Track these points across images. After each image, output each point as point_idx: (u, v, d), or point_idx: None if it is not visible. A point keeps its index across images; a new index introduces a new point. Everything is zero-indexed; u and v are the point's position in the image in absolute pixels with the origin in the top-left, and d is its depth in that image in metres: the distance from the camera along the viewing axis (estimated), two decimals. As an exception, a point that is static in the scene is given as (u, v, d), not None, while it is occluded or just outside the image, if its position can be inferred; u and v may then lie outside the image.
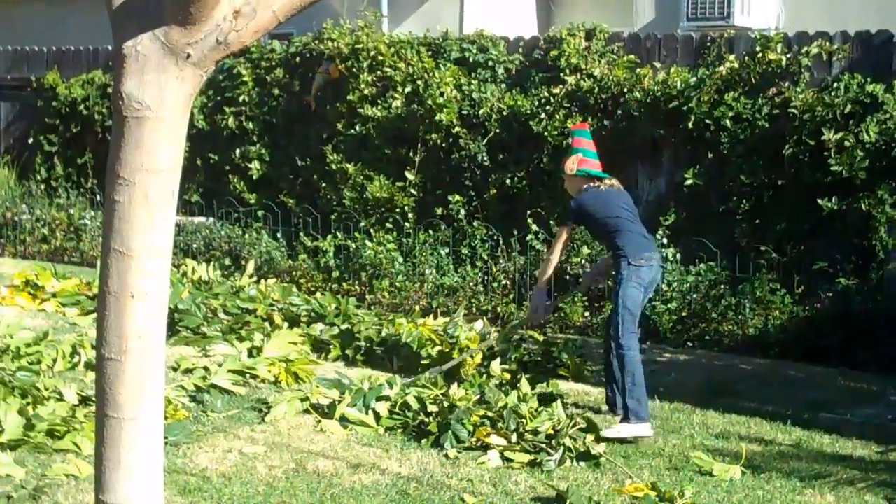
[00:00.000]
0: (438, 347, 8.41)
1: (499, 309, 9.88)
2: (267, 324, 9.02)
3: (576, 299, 9.60)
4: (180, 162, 3.37)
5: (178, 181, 3.38)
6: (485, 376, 7.61)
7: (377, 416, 6.92)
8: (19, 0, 16.21)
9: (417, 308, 9.90)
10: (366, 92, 11.37)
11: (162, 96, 3.25)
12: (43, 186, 13.65)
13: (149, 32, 3.23)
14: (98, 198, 12.97)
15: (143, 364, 3.35)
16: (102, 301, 3.34)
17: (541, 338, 8.46)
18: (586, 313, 9.74)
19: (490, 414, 6.69)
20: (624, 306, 6.83)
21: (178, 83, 3.26)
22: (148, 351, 3.35)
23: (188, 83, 3.29)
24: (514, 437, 6.41)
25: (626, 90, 9.96)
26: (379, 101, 11.30)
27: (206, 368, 7.76)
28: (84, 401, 6.84)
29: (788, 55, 9.38)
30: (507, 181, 10.54)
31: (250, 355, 8.14)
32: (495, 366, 7.85)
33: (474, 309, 9.85)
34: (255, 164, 12.18)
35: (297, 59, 12.06)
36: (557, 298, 8.71)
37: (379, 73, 11.35)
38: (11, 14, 16.28)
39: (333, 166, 11.45)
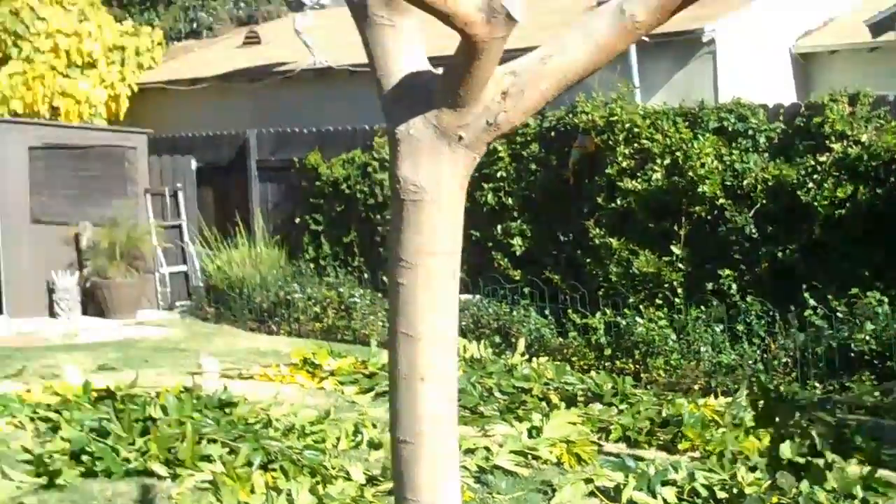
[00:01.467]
0: (723, 429, 8.35)
1: (781, 388, 9.64)
2: (543, 403, 9.10)
3: (863, 377, 9.28)
4: (460, 243, 3.37)
5: (458, 262, 3.37)
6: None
7: (665, 502, 6.88)
8: (287, 83, 16.95)
9: (696, 387, 9.79)
10: (623, 165, 11.40)
11: (437, 179, 3.25)
12: (312, 265, 14.04)
13: (420, 116, 3.23)
14: (365, 275, 13.35)
15: (437, 447, 3.33)
16: (394, 384, 3.36)
17: (831, 419, 8.28)
18: (875, 393, 9.36)
19: (784, 501, 6.58)
20: None
21: (452, 166, 3.26)
22: (441, 433, 3.34)
23: (461, 165, 3.27)
24: (815, 528, 6.27)
25: (898, 156, 9.69)
26: (638, 174, 11.31)
27: (487, 448, 7.82)
28: (371, 480, 6.95)
29: None
30: (779, 254, 10.37)
31: (530, 435, 8.20)
32: (785, 448, 7.72)
33: (755, 388, 9.67)
34: (517, 241, 12.32)
35: (552, 133, 12.15)
36: None
37: (636, 144, 11.37)
38: (279, 96, 17.01)
39: (597, 241, 11.48)
